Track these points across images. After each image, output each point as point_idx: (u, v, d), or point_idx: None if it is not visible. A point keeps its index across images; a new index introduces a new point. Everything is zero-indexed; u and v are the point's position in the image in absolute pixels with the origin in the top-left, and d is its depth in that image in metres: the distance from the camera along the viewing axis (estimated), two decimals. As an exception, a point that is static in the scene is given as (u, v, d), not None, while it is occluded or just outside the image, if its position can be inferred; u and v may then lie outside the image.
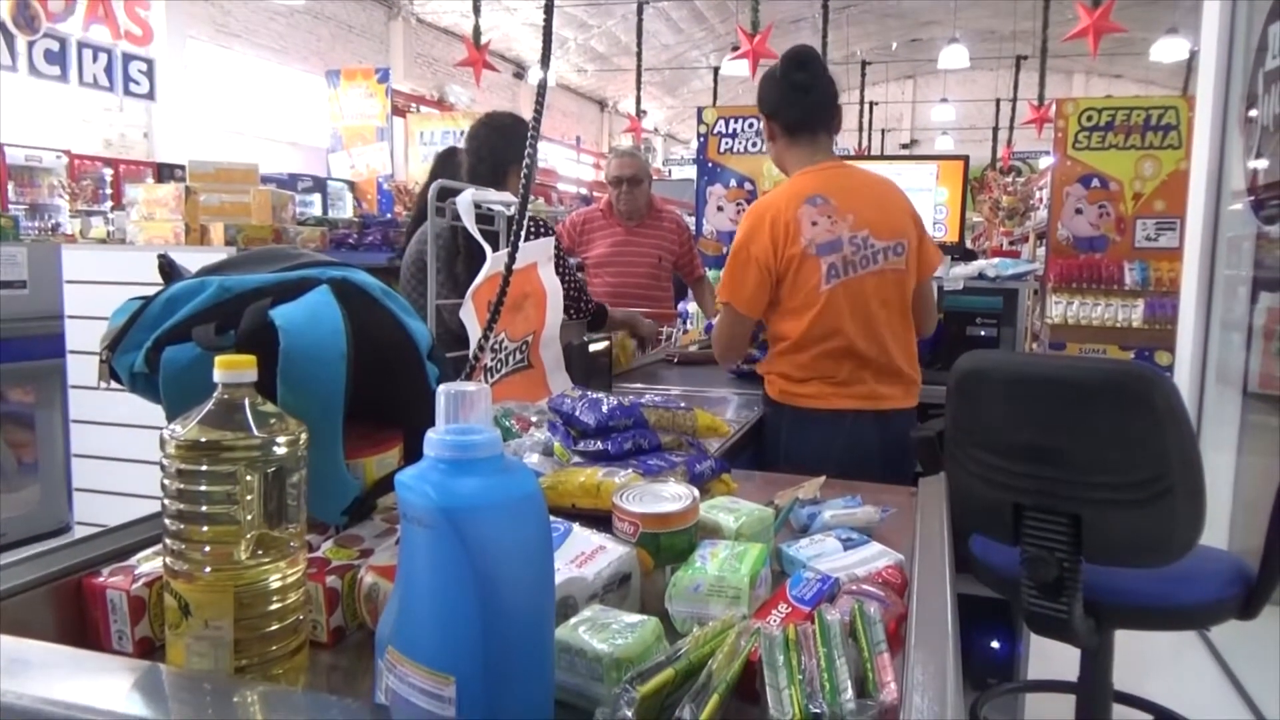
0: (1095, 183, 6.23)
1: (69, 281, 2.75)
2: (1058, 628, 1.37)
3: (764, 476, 1.38)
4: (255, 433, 0.74)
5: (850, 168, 2.11)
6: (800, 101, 2.02)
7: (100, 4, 8.16)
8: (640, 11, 11.25)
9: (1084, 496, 1.28)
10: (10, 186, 7.42)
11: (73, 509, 2.85)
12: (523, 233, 1.34)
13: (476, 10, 8.47)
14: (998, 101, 15.03)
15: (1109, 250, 6.22)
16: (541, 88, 1.31)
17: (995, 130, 15.43)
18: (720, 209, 7.26)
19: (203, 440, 0.72)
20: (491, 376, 1.69)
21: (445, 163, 2.72)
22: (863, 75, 14.49)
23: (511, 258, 1.34)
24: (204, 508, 0.73)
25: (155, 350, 0.86)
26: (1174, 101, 6.21)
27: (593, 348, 1.91)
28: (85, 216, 6.41)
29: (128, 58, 8.49)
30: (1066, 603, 1.33)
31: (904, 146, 19.74)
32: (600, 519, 0.99)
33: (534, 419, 1.54)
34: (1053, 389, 1.31)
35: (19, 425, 3.74)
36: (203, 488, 0.72)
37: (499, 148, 2.39)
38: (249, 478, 0.73)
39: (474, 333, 1.49)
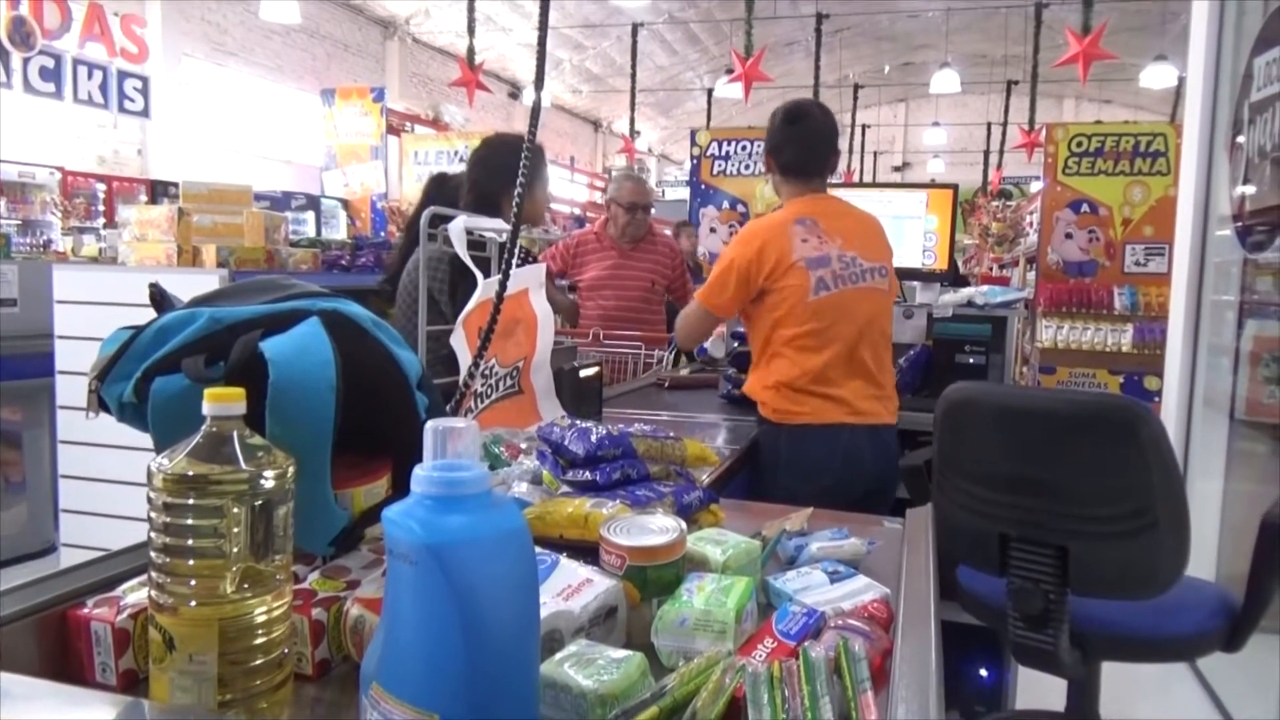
0: (1085, 208, 6.29)
1: (59, 301, 2.75)
2: (1044, 659, 1.37)
3: (752, 507, 1.39)
4: (243, 466, 0.74)
5: (839, 199, 2.28)
6: (796, 148, 2.21)
7: (96, 21, 8.19)
8: (635, 33, 11.35)
9: (1070, 528, 1.29)
10: (2, 202, 7.41)
11: (59, 530, 2.84)
12: (514, 259, 1.35)
13: (471, 31, 8.54)
14: (989, 125, 15.16)
15: (1098, 275, 6.27)
16: (535, 112, 1.32)
17: (986, 154, 15.56)
18: (713, 230, 7.31)
19: (190, 474, 0.73)
20: (482, 402, 1.70)
21: (437, 188, 2.72)
22: (855, 98, 14.60)
23: (503, 285, 1.35)
24: (190, 541, 0.73)
25: (145, 381, 0.86)
26: (1162, 128, 6.28)
27: (583, 373, 1.91)
28: (77, 234, 6.40)
29: (123, 75, 8.51)
30: (1053, 634, 1.34)
31: (896, 169, 19.88)
32: (588, 550, 0.99)
33: (524, 445, 1.54)
34: (1039, 421, 1.32)
35: (6, 444, 3.72)
36: (189, 521, 0.72)
37: (496, 173, 2.40)
38: (236, 510, 0.74)
39: (464, 359, 1.49)
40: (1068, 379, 6.17)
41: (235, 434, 0.76)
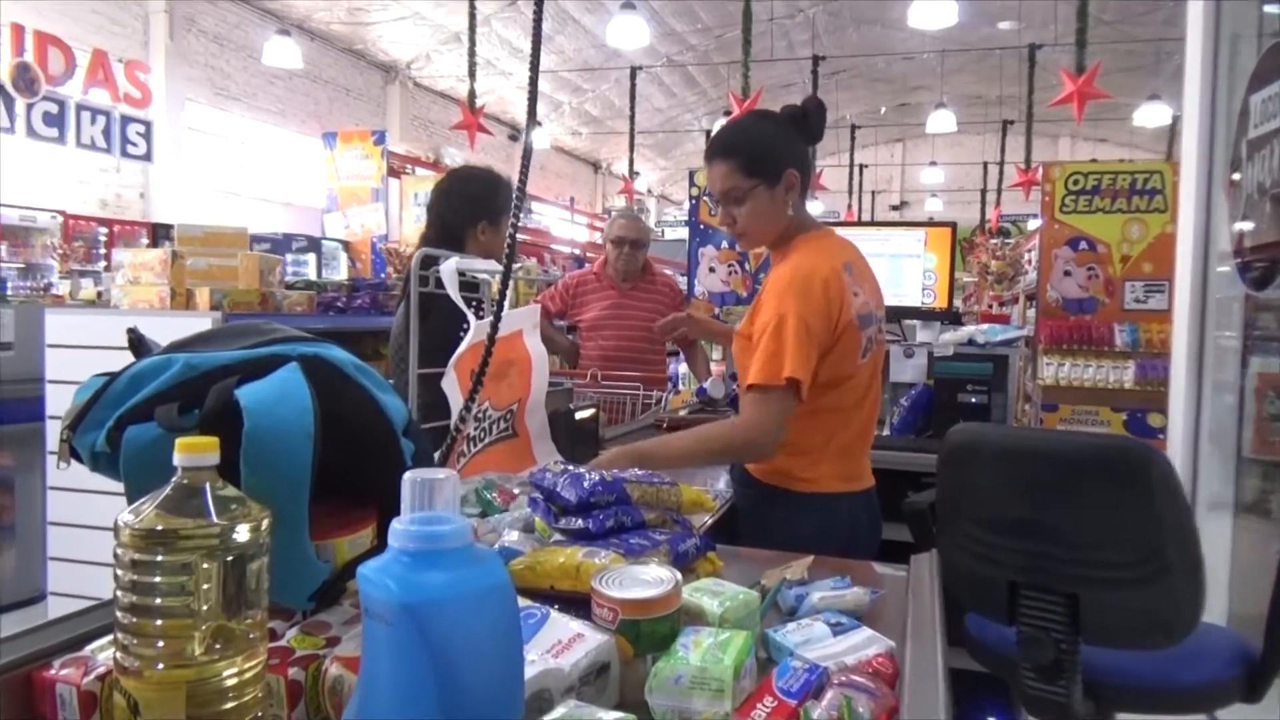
0: (1083, 245, 6.28)
1: (51, 345, 2.72)
2: (1057, 711, 1.32)
3: (750, 554, 1.34)
4: (215, 519, 0.71)
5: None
6: (808, 160, 1.83)
7: (100, 68, 8.28)
8: (633, 76, 11.47)
9: (1081, 575, 1.25)
10: (4, 247, 7.43)
11: (46, 578, 2.78)
12: (505, 301, 1.32)
13: (472, 75, 8.62)
14: (984, 164, 15.27)
15: (1098, 312, 6.25)
16: (526, 156, 1.30)
17: (983, 192, 15.65)
18: (712, 270, 7.29)
19: (159, 528, 0.69)
20: (475, 446, 1.66)
21: None
22: (852, 138, 14.73)
23: (494, 326, 1.32)
24: (158, 600, 0.69)
25: (117, 430, 0.83)
26: (1159, 166, 6.30)
27: (579, 415, 1.88)
28: (76, 277, 6.40)
29: (126, 120, 8.59)
30: (1065, 685, 1.29)
31: (894, 208, 20.00)
32: (580, 602, 0.95)
33: (517, 490, 1.50)
34: (1045, 463, 1.28)
35: (2, 489, 3.68)
36: (157, 579, 0.69)
37: (460, 206, 2.27)
38: (206, 566, 0.70)
39: (455, 403, 1.46)
40: (1070, 416, 6.12)
41: (208, 485, 0.72)
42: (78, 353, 2.59)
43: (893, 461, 2.18)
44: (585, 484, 1.13)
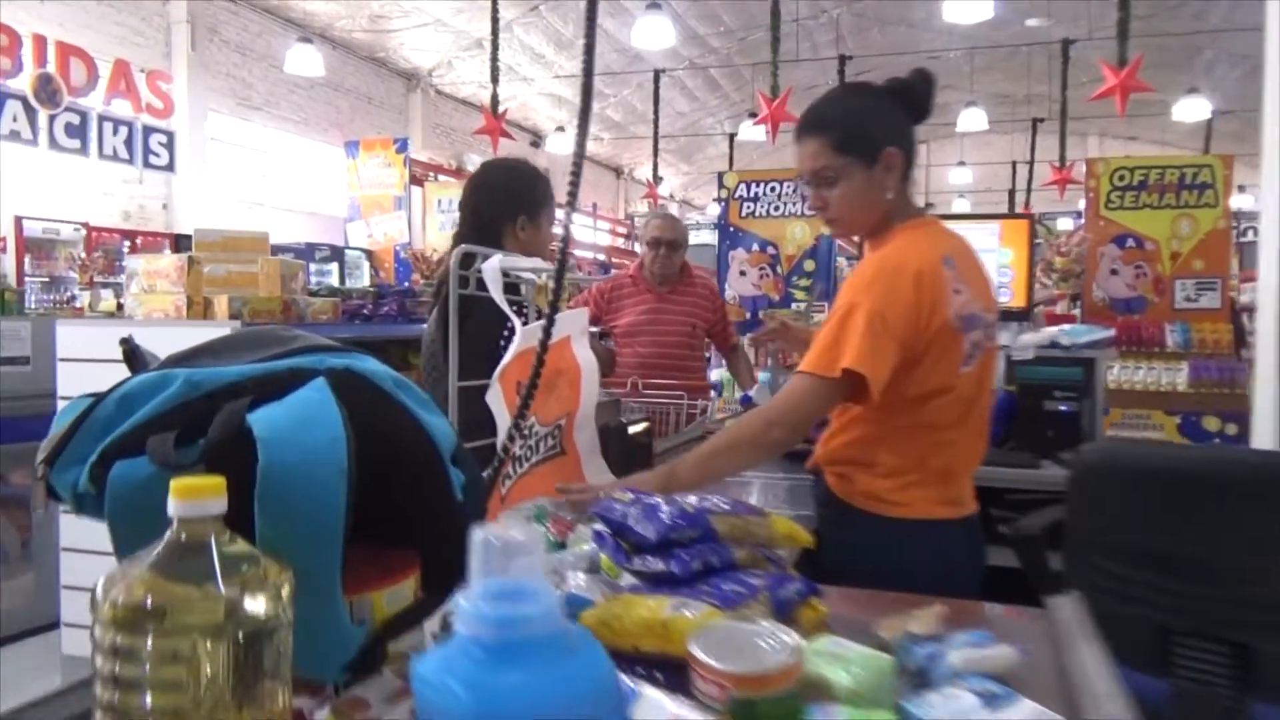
0: (1130, 243, 6.04)
1: (63, 359, 2.58)
2: (1212, 775, 1.13)
3: (855, 596, 1.16)
4: (221, 588, 0.54)
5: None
6: (912, 137, 1.60)
7: (122, 78, 8.22)
8: (657, 80, 11.33)
9: (1249, 620, 1.06)
10: (28, 260, 7.38)
11: (60, 606, 2.64)
12: (560, 303, 1.15)
13: (494, 79, 8.51)
14: (1014, 164, 14.99)
15: (1147, 311, 6.01)
16: (580, 148, 1.14)
17: (1012, 192, 15.37)
18: (743, 273, 7.12)
19: (148, 602, 0.53)
20: (520, 466, 1.49)
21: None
22: (878, 140, 14.50)
23: (547, 333, 1.15)
24: (148, 698, 0.52)
25: (102, 465, 0.66)
26: (1208, 160, 6.06)
27: (632, 430, 1.71)
28: (97, 289, 6.32)
29: (148, 130, 8.53)
30: (1223, 745, 1.10)
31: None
32: (669, 663, 0.78)
33: (571, 518, 1.33)
34: (1200, 486, 1.09)
35: (17, 508, 3.55)
36: (146, 670, 0.52)
37: (496, 199, 2.06)
38: (210, 647, 0.53)
39: (502, 420, 1.29)
40: (1120, 421, 5.87)
41: (212, 540, 0.56)
42: (91, 366, 2.45)
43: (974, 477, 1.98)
44: (663, 517, 0.96)
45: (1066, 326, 2.31)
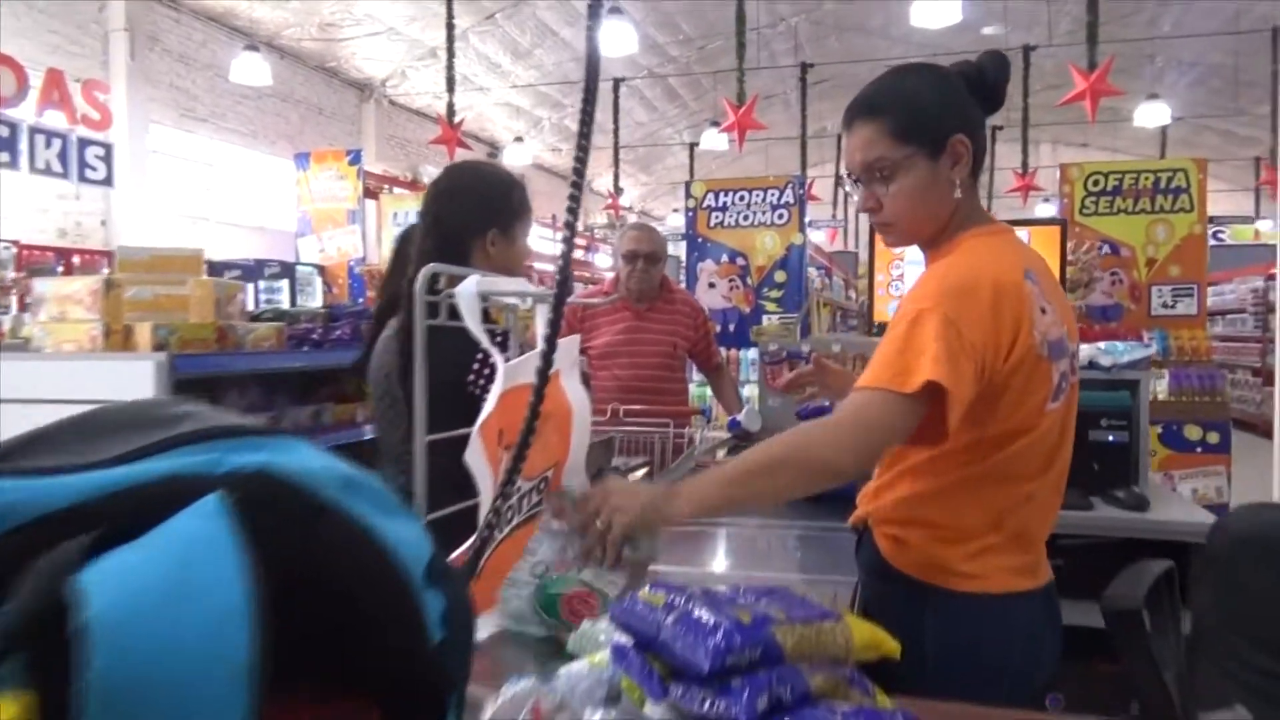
0: (1106, 249, 5.94)
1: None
2: None
3: (938, 710, 0.91)
4: None
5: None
6: (983, 129, 1.35)
7: (55, 88, 7.80)
8: (616, 89, 11.16)
9: None
10: (-48, 283, 6.93)
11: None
12: (557, 337, 0.90)
13: (450, 88, 8.25)
14: (973, 172, 15.04)
15: (1124, 319, 5.90)
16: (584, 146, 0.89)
17: (973, 200, 15.42)
18: (712, 285, 6.92)
19: None
20: (499, 530, 1.24)
21: (407, 246, 2.12)
22: (838, 149, 14.47)
23: (543, 377, 0.90)
24: None
25: None
26: (1182, 163, 5.98)
27: (630, 477, 1.46)
28: (19, 315, 5.90)
29: (84, 143, 8.09)
30: None
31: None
32: None
33: (579, 588, 1.08)
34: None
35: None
36: None
37: (464, 207, 1.76)
38: None
39: (484, 482, 1.03)
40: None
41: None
42: (-9, 408, 2.12)
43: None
44: (714, 632, 0.70)
45: (1103, 344, 2.09)
